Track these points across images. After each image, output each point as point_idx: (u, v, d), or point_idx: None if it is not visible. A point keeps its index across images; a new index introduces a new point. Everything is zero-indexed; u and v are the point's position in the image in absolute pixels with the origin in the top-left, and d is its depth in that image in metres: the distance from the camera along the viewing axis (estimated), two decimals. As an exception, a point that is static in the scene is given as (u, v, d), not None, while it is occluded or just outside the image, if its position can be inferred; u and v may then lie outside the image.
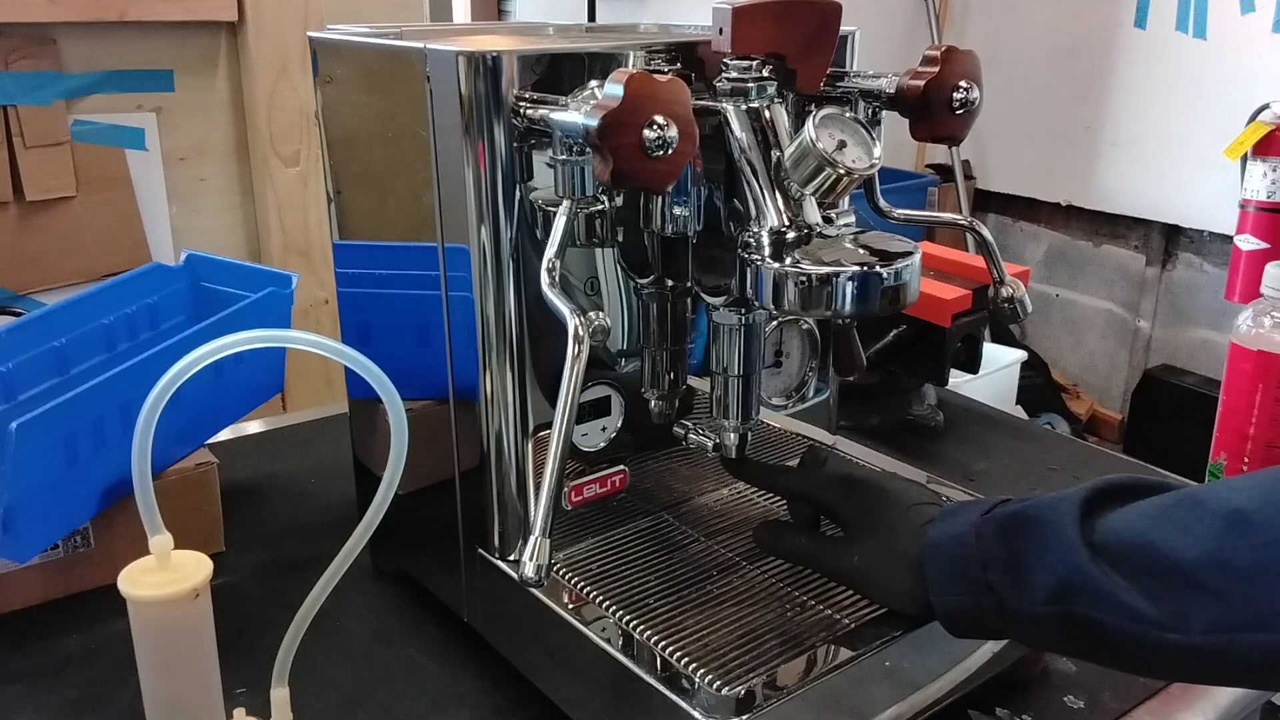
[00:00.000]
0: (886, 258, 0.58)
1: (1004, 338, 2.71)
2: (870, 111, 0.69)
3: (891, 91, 0.67)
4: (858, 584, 0.67)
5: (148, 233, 1.66)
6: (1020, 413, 2.03)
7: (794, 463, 0.78)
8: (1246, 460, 0.92)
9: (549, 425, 0.60)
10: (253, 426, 1.16)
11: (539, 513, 0.56)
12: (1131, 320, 2.98)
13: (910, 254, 0.59)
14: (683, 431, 0.75)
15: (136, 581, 0.59)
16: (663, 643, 0.64)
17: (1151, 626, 0.52)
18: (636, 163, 0.55)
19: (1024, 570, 0.56)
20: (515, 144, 0.64)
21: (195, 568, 0.60)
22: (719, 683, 0.61)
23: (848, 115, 0.60)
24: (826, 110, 0.60)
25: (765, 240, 0.59)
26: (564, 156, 0.62)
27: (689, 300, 0.72)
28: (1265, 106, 2.20)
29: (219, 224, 1.75)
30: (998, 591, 0.57)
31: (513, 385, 0.69)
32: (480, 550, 0.73)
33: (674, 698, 0.59)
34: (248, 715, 0.62)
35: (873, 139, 0.60)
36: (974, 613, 0.59)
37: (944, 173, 3.04)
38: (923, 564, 0.61)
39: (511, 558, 0.72)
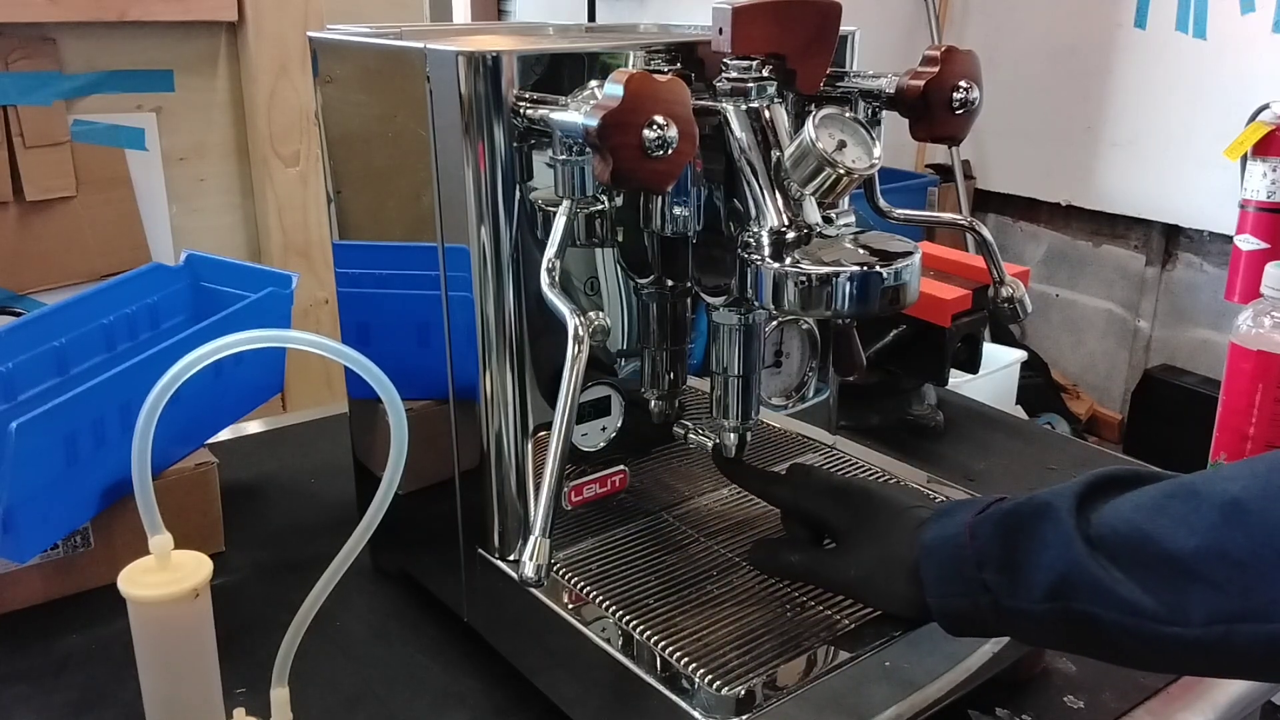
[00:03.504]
0: (886, 258, 0.58)
1: (1004, 338, 2.71)
2: (870, 111, 0.69)
3: (891, 91, 0.67)
4: (856, 592, 0.67)
5: (148, 233, 1.66)
6: (1020, 413, 2.03)
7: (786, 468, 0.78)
8: (1246, 460, 0.92)
9: (549, 425, 0.60)
10: (253, 426, 1.16)
11: (539, 513, 0.56)
12: (1131, 320, 2.98)
13: (910, 254, 0.59)
14: (683, 431, 0.75)
15: (136, 581, 0.59)
16: (662, 643, 0.64)
17: (1150, 619, 0.51)
18: (636, 163, 0.55)
19: (1020, 568, 0.56)
20: (515, 144, 0.64)
21: (195, 568, 0.60)
22: (719, 683, 0.61)
23: (848, 115, 0.60)
24: (826, 110, 0.60)
25: (765, 240, 0.59)
26: (564, 156, 0.62)
27: (689, 300, 0.72)
28: (1265, 106, 2.20)
29: (219, 224, 1.75)
30: (994, 590, 0.57)
31: (513, 385, 0.69)
32: (480, 550, 0.73)
33: (674, 698, 0.59)
34: (248, 715, 0.62)
35: (873, 139, 0.60)
36: (971, 612, 0.59)
37: (944, 173, 3.04)
38: (918, 566, 0.61)
39: (511, 558, 0.72)
